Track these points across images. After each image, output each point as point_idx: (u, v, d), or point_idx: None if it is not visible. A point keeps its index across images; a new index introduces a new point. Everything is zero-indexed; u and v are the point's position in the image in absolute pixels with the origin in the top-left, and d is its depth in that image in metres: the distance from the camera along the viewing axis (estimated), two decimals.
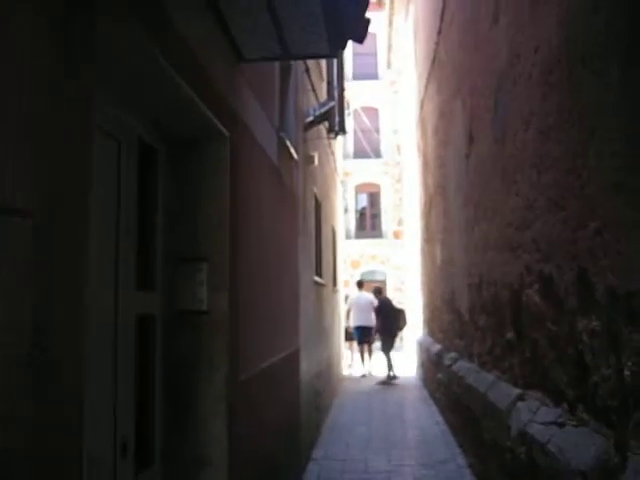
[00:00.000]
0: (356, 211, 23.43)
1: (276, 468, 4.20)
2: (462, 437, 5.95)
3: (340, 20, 2.96)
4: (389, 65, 20.00)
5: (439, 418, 7.65)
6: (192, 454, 2.70)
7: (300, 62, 6.13)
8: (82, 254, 1.47)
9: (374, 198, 23.52)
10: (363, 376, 12.23)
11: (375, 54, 23.37)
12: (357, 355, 13.23)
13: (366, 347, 12.61)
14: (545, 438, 2.91)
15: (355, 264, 22.06)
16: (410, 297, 14.87)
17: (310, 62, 6.85)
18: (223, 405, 2.71)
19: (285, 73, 5.29)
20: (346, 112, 7.54)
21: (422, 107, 10.28)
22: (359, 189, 23.38)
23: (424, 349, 10.28)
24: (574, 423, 2.75)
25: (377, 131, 23.12)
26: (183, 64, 2.28)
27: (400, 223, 20.85)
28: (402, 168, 19.31)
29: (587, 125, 2.69)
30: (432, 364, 8.88)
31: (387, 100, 22.34)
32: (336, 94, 6.91)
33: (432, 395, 8.97)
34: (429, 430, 7.15)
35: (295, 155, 5.39)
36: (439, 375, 7.87)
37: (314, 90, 7.32)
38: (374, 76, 23.36)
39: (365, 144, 22.08)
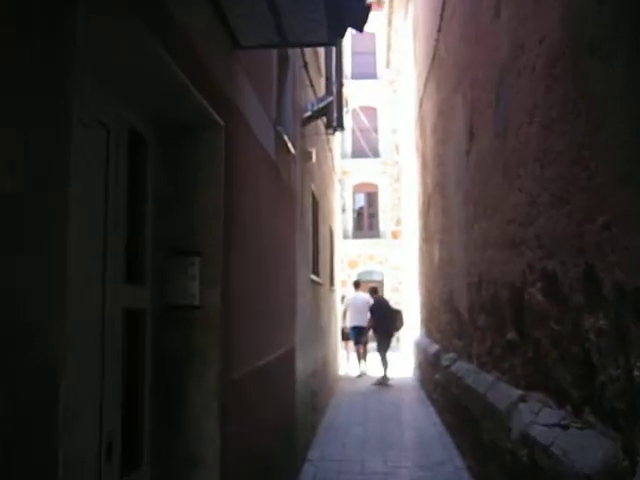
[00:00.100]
0: (354, 211, 23.34)
1: (271, 468, 4.10)
2: (460, 438, 5.85)
3: (340, 7, 2.87)
4: (388, 64, 19.92)
5: (436, 419, 7.56)
6: (183, 453, 2.60)
7: (298, 56, 6.04)
8: (61, 244, 1.37)
9: (372, 198, 23.42)
10: (359, 376, 12.21)
11: (374, 53, 23.32)
12: (353, 355, 13.18)
13: (362, 347, 12.56)
14: (548, 440, 2.82)
15: (352, 264, 21.97)
16: (408, 297, 14.79)
17: (308, 57, 6.75)
18: (215, 402, 2.61)
19: (283, 66, 5.20)
20: (344, 108, 7.43)
21: (421, 106, 10.20)
22: (357, 189, 23.28)
23: (421, 350, 10.19)
24: (579, 425, 2.66)
25: (375, 131, 23.03)
26: (177, 49, 2.19)
27: (398, 223, 20.77)
28: (400, 168, 19.24)
29: (594, 116, 2.61)
30: (429, 365, 8.79)
31: (386, 99, 22.26)
32: (334, 89, 6.82)
33: (429, 396, 8.88)
34: (426, 431, 7.06)
35: (293, 150, 5.30)
36: (437, 376, 7.78)
37: (312, 86, 7.23)
38: (373, 75, 23.28)
39: (363, 143, 21.99)
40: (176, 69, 2.19)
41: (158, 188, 2.66)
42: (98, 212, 2.17)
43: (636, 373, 2.13)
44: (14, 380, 1.17)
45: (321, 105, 6.69)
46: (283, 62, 5.23)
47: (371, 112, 22.71)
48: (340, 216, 15.97)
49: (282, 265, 4.85)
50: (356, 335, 12.37)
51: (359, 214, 23.60)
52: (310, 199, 7.23)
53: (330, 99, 6.78)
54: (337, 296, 12.65)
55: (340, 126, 7.14)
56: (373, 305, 11.62)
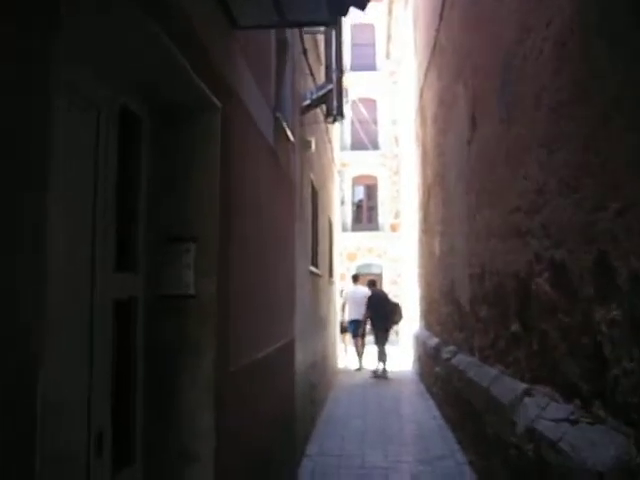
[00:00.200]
0: (353, 203, 23.20)
1: (270, 463, 4.01)
2: (461, 433, 5.76)
3: None
4: (388, 55, 19.78)
5: (436, 413, 7.48)
6: (177, 448, 2.49)
7: (297, 42, 5.91)
8: (40, 228, 1.26)
9: (371, 190, 23.27)
10: (358, 369, 12.15)
11: (373, 45, 23.15)
12: (352, 348, 13.12)
13: (360, 340, 12.49)
14: (556, 435, 2.72)
15: (351, 257, 21.87)
16: (407, 290, 14.69)
17: (308, 44, 6.62)
18: (211, 396, 2.51)
19: (281, 51, 5.07)
20: (344, 98, 7.30)
21: (421, 95, 10.07)
22: (356, 181, 23.13)
23: (421, 343, 10.10)
24: (589, 420, 2.56)
25: (375, 122, 22.86)
26: (173, 27, 2.07)
27: (397, 216, 20.65)
28: (400, 160, 19.10)
29: (606, 98, 2.49)
30: (429, 358, 8.70)
31: (385, 91, 22.09)
32: (334, 77, 6.68)
33: (429, 389, 8.80)
34: (426, 425, 6.98)
35: (292, 137, 5.18)
36: (437, 369, 7.69)
37: (312, 74, 7.10)
38: (372, 67, 23.09)
39: (363, 135, 21.82)
40: (172, 46, 2.07)
41: (152, 170, 2.55)
42: (86, 196, 2.06)
43: None
44: None
45: (321, 93, 6.56)
46: (282, 47, 5.10)
47: (370, 104, 22.52)
48: (339, 208, 15.84)
49: (281, 256, 4.74)
50: (355, 328, 12.30)
51: (358, 207, 23.45)
52: (309, 189, 7.11)
53: (330, 87, 6.64)
54: (336, 288, 12.56)
55: (340, 115, 7.00)
56: (370, 297, 11.52)
